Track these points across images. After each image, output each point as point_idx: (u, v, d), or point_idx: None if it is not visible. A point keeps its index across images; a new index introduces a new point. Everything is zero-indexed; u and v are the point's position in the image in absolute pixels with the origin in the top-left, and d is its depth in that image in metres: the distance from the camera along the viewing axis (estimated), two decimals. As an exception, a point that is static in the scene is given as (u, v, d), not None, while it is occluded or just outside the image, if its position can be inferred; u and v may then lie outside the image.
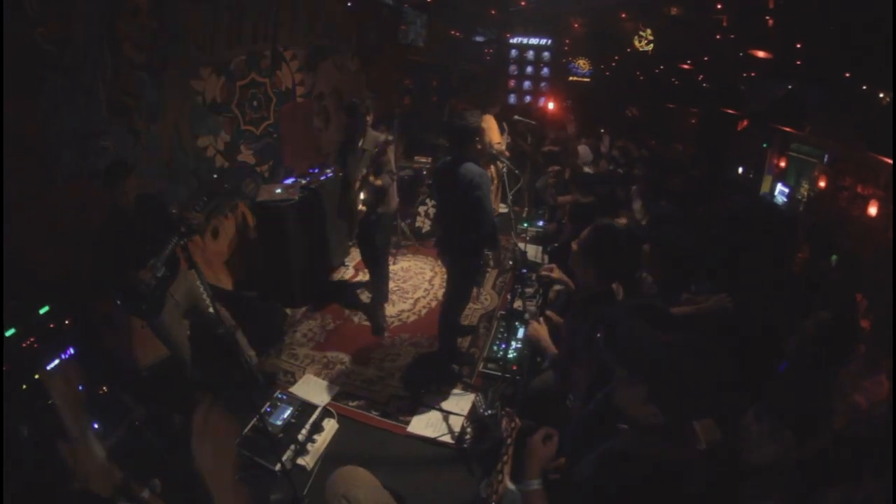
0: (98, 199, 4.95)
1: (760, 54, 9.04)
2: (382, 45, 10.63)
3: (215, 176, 6.64)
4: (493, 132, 8.98)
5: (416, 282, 8.19)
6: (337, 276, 8.31)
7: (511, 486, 2.79)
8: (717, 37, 9.23)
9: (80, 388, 2.37)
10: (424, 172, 9.73)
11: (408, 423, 5.25)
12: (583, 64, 16.59)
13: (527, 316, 5.39)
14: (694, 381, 1.94)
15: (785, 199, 10.79)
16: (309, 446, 4.82)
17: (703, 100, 14.12)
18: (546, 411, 3.53)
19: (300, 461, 4.67)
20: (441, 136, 9.49)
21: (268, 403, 5.06)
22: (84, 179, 4.95)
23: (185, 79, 6.09)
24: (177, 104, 5.98)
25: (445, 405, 5.44)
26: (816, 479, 2.99)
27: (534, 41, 15.75)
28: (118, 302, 4.67)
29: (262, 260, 7.23)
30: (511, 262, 5.94)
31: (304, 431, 4.87)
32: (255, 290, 6.75)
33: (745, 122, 12.65)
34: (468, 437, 5.02)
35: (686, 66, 13.20)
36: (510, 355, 5.95)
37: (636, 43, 11.24)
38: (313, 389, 5.59)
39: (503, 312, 5.81)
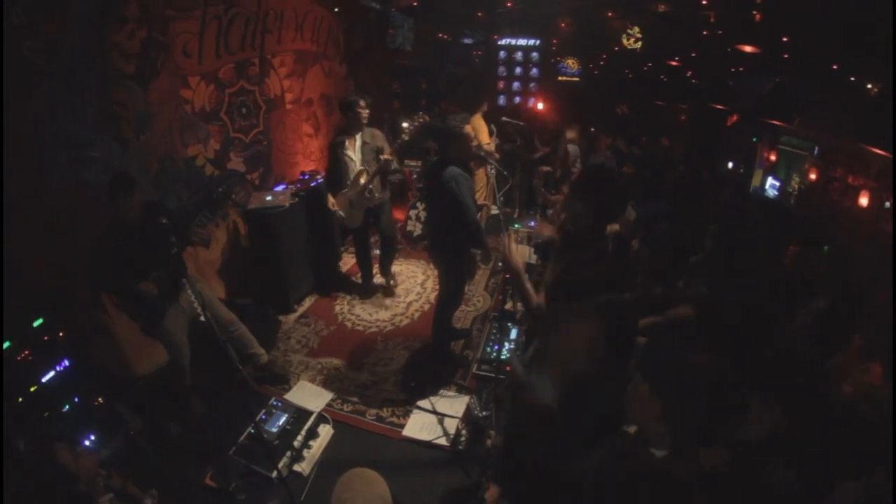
0: (89, 208, 4.98)
1: (748, 49, 9.10)
2: (370, 50, 10.64)
3: (220, 189, 6.65)
4: (482, 133, 9.00)
5: (408, 285, 8.20)
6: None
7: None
8: (705, 33, 9.28)
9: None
10: (415, 176, 9.76)
11: (403, 426, 5.27)
12: (572, 63, 16.63)
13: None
14: (714, 408, 1.95)
15: (776, 193, 10.84)
16: (305, 452, 4.82)
17: (692, 96, 14.19)
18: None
19: (296, 468, 4.68)
20: (429, 139, 9.53)
21: (263, 411, 5.08)
22: (74, 189, 4.94)
23: (174, 87, 6.08)
24: (166, 113, 5.97)
25: (440, 408, 5.46)
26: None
27: (522, 42, 15.77)
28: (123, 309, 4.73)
29: (254, 267, 7.24)
30: (501, 263, 5.97)
31: (299, 438, 4.89)
32: (248, 298, 6.76)
33: (735, 118, 12.71)
34: (463, 439, 5.05)
35: (674, 63, 13.26)
36: (503, 356, 5.98)
37: (624, 41, 11.28)
38: (308, 396, 5.60)
39: (496, 314, 5.85)
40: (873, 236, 7.46)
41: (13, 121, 4.34)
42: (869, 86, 7.45)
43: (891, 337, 3.79)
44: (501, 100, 15.94)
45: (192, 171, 6.38)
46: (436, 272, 6.92)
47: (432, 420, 5.32)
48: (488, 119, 9.53)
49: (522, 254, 3.95)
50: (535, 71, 16.02)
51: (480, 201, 8.70)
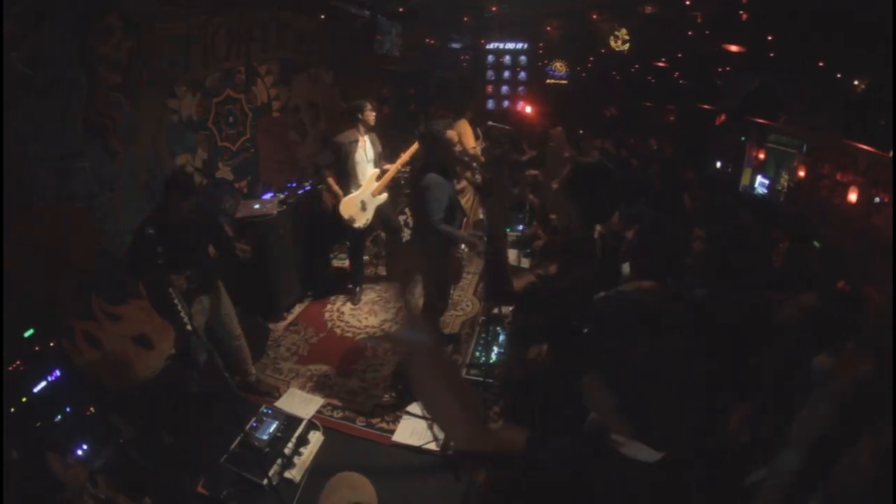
0: (78, 218, 5.02)
1: (733, 48, 9.15)
2: (357, 56, 10.65)
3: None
4: (468, 138, 9.02)
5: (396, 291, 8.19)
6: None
7: None
8: (690, 33, 9.33)
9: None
10: (402, 181, 9.79)
11: (392, 432, 5.29)
12: (560, 66, 16.65)
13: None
14: (680, 400, 1.92)
15: (765, 191, 10.89)
16: (295, 459, 4.85)
17: (680, 96, 14.24)
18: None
19: (287, 475, 4.71)
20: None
21: (253, 418, 5.09)
22: (63, 199, 4.96)
23: (161, 98, 6.09)
24: (153, 123, 5.98)
25: (430, 413, 5.47)
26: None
27: (510, 46, 15.83)
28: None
29: (242, 275, 7.26)
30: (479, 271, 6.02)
31: (290, 445, 4.91)
32: (237, 306, 6.78)
33: (723, 117, 12.77)
34: (453, 444, 5.07)
35: (662, 64, 13.31)
36: (492, 360, 6.01)
37: (612, 43, 11.31)
38: (298, 403, 5.62)
39: (484, 318, 5.89)
40: (863, 232, 7.51)
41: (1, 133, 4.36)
42: (856, 82, 7.50)
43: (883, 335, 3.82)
44: (490, 104, 15.99)
45: (180, 181, 6.40)
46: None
47: (422, 425, 5.34)
48: (475, 123, 9.56)
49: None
50: (523, 74, 16.09)
51: (467, 206, 8.72)
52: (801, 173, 9.58)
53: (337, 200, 7.08)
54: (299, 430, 5.06)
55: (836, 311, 3.79)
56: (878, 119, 7.10)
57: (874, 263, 6.72)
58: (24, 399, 3.84)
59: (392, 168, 7.06)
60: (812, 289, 4.97)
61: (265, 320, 7.01)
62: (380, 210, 7.25)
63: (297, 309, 7.70)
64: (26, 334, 4.13)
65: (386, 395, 5.85)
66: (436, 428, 5.24)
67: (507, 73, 16.27)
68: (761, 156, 11.32)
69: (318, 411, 5.57)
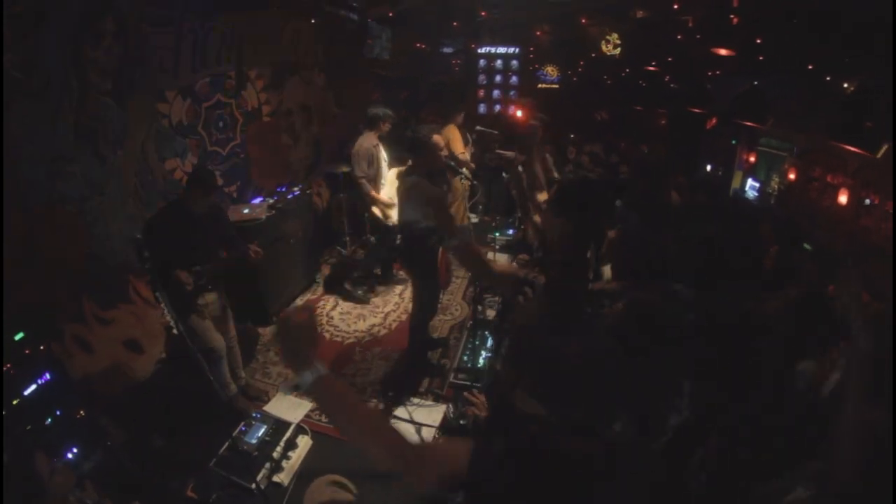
0: (69, 222, 5.04)
1: (723, 52, 9.19)
2: (348, 60, 10.68)
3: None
4: (457, 143, 9.06)
5: (386, 296, 8.27)
6: (308, 293, 8.36)
7: None
8: (683, 37, 9.37)
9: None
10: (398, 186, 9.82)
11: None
12: (551, 71, 16.68)
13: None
14: (590, 386, 1.98)
15: (756, 194, 10.94)
16: (284, 463, 4.88)
17: (671, 100, 14.29)
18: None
19: (276, 478, 4.73)
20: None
21: (242, 423, 5.11)
22: (54, 204, 4.98)
23: (151, 102, 6.11)
24: (143, 128, 6.00)
25: (417, 417, 5.51)
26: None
27: (501, 50, 15.86)
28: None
29: (232, 280, 7.29)
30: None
31: (278, 449, 4.93)
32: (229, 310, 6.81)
33: (714, 120, 12.81)
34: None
35: (652, 68, 13.35)
36: (479, 364, 6.05)
37: (603, 47, 11.36)
38: (287, 407, 5.64)
39: (472, 322, 5.94)
40: (853, 234, 7.55)
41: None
42: (845, 84, 7.54)
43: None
44: (482, 108, 16.01)
45: (169, 186, 6.41)
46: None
47: (410, 429, 5.37)
48: (467, 128, 9.58)
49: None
50: (514, 79, 16.12)
51: (456, 211, 8.75)
52: (792, 176, 9.60)
53: (379, 205, 7.20)
54: (287, 434, 5.08)
55: (823, 313, 3.80)
56: (866, 121, 7.14)
57: (865, 265, 6.79)
58: (14, 402, 3.85)
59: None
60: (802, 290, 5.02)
61: (255, 325, 7.02)
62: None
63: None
64: (17, 337, 4.14)
65: (374, 400, 5.87)
66: (423, 432, 5.29)
67: (498, 78, 16.29)
68: (752, 159, 11.36)
69: (307, 415, 5.58)
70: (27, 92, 4.64)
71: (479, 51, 15.60)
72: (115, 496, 3.92)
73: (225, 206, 7.13)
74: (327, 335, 7.18)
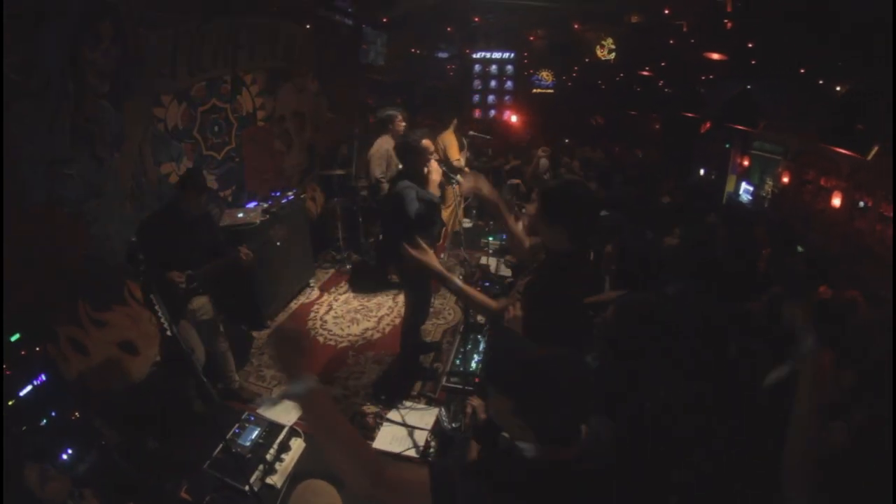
0: (66, 224, 5.07)
1: (715, 56, 9.24)
2: (343, 66, 10.73)
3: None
4: (453, 148, 9.09)
5: (380, 300, 8.31)
6: (303, 296, 8.40)
7: None
8: (672, 42, 9.42)
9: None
10: (389, 190, 9.86)
11: (373, 439, 5.35)
12: (546, 76, 16.75)
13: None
14: (563, 395, 2.01)
15: (750, 198, 10.99)
16: (277, 465, 4.89)
17: (664, 105, 14.35)
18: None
19: (269, 480, 4.75)
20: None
21: (236, 425, 5.14)
22: (51, 205, 5.01)
23: (147, 106, 6.14)
24: (139, 131, 6.03)
25: (410, 420, 5.54)
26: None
27: (496, 55, 15.94)
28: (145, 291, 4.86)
29: (226, 284, 7.32)
30: (461, 277, 6.06)
31: (272, 451, 4.94)
32: (221, 314, 6.83)
33: (708, 125, 12.87)
34: (432, 450, 5.14)
35: (646, 73, 13.41)
36: (472, 368, 6.08)
37: (598, 52, 11.41)
38: (280, 410, 5.65)
39: (464, 326, 5.98)
40: (847, 236, 7.60)
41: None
42: (838, 88, 7.58)
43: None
44: (477, 113, 16.06)
45: (165, 189, 6.44)
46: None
47: (402, 432, 5.40)
48: (462, 133, 9.63)
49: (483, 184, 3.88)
50: (509, 84, 16.18)
51: (448, 217, 8.80)
52: (786, 179, 9.66)
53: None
54: (281, 437, 5.10)
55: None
56: (857, 124, 7.19)
57: (859, 267, 6.85)
58: (10, 403, 3.88)
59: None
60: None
61: (249, 328, 7.05)
62: None
63: (281, 317, 7.75)
64: (12, 339, 4.17)
65: (367, 404, 5.90)
66: (416, 435, 5.32)
67: (493, 83, 16.39)
68: (746, 162, 11.43)
69: (300, 418, 5.61)
70: (25, 94, 4.67)
71: (474, 56, 15.66)
72: (109, 497, 3.95)
73: (220, 210, 7.17)
74: (321, 339, 7.21)
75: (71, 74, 5.10)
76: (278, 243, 7.28)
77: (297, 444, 5.19)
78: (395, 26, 11.19)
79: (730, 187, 11.94)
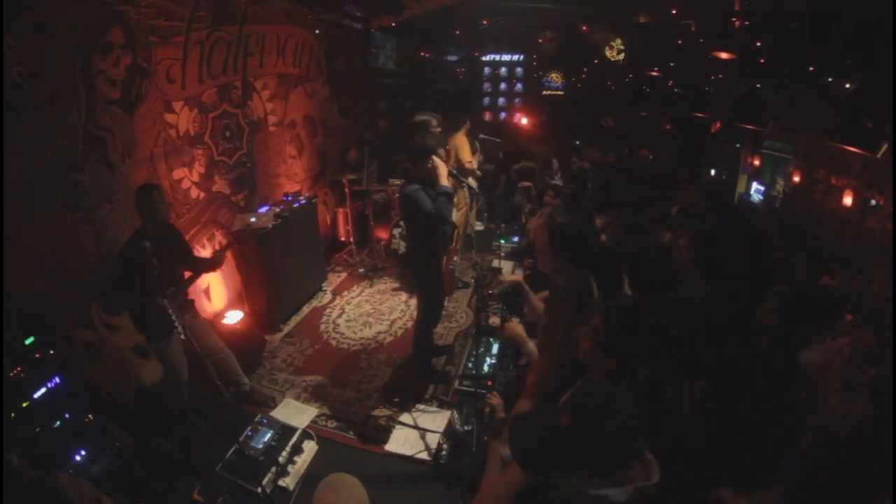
0: (78, 230, 5.12)
1: (724, 56, 9.22)
2: (353, 70, 10.76)
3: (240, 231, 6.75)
4: (464, 151, 9.10)
5: (392, 303, 8.33)
6: (315, 300, 8.42)
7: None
8: (680, 42, 9.40)
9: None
10: (397, 195, 9.88)
11: (385, 441, 5.36)
12: (556, 77, 16.74)
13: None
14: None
15: (761, 197, 10.95)
16: (290, 468, 4.91)
17: (674, 105, 14.32)
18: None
19: (281, 482, 4.77)
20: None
21: (249, 427, 5.16)
22: (63, 212, 5.06)
23: (159, 113, 6.18)
24: (151, 138, 6.07)
25: (422, 423, 5.56)
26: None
27: (506, 58, 15.93)
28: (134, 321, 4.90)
29: (239, 288, 7.36)
30: (473, 280, 6.07)
31: (284, 453, 4.96)
32: (234, 318, 6.86)
33: (718, 124, 12.84)
34: (444, 453, 5.14)
35: (655, 73, 13.39)
36: (484, 371, 6.08)
37: (607, 53, 11.39)
38: (293, 413, 5.69)
39: (476, 329, 5.98)
40: (859, 235, 7.55)
41: (2, 145, 4.44)
42: (847, 85, 7.55)
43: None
44: (487, 115, 16.05)
45: (177, 195, 6.48)
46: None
47: (414, 435, 5.42)
48: (473, 136, 9.63)
49: (520, 328, 4.10)
50: (519, 86, 16.17)
51: (460, 219, 8.80)
52: (797, 178, 9.61)
53: None
54: (294, 440, 5.11)
55: (820, 301, 3.82)
56: (866, 122, 7.16)
57: (869, 266, 6.81)
58: (24, 404, 3.92)
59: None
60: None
61: (262, 332, 7.08)
62: None
63: (294, 320, 7.78)
64: (27, 342, 4.21)
65: (380, 407, 5.91)
66: (428, 438, 5.33)
67: (503, 85, 16.39)
68: (756, 162, 11.38)
69: (313, 421, 5.63)
70: (37, 101, 4.71)
71: (484, 58, 15.66)
72: (123, 498, 3.98)
73: (232, 215, 7.21)
74: (333, 342, 7.23)
75: (82, 82, 5.14)
76: (298, 249, 7.32)
77: (310, 447, 5.21)
78: (403, 30, 11.21)
79: (741, 187, 11.91)
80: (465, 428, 5.28)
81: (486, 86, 16.64)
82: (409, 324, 7.60)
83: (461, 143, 9.06)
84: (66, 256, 5.03)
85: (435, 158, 5.40)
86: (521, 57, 16.25)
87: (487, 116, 16.66)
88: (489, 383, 5.81)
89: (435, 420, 5.60)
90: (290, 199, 8.00)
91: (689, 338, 3.50)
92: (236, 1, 6.94)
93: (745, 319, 3.81)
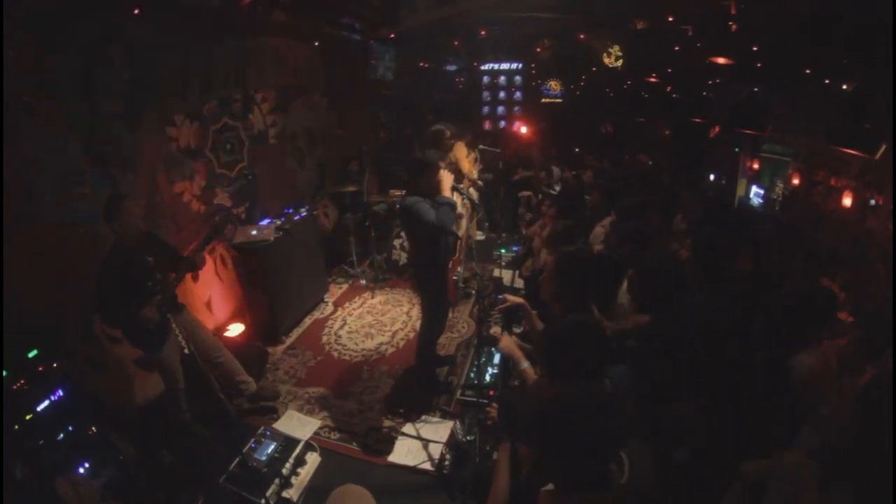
0: (80, 243, 5.14)
1: (721, 60, 9.23)
2: (352, 82, 10.81)
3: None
4: (465, 161, 9.12)
5: (394, 314, 8.34)
6: (317, 312, 8.43)
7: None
8: (681, 47, 9.42)
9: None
10: (398, 206, 9.89)
11: (388, 452, 5.37)
12: (554, 85, 16.78)
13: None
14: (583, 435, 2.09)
15: (761, 201, 10.95)
16: (293, 480, 4.91)
17: (672, 111, 14.34)
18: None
19: (285, 494, 4.76)
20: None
21: (252, 439, 5.16)
22: (65, 224, 5.10)
23: (160, 126, 6.23)
24: (152, 151, 6.10)
25: (424, 433, 5.56)
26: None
27: (504, 66, 15.98)
28: (125, 336, 4.91)
29: (241, 300, 7.37)
30: (475, 291, 6.09)
31: (287, 465, 4.96)
32: (236, 330, 6.87)
33: (717, 129, 12.85)
34: (447, 463, 5.15)
35: (653, 80, 13.40)
36: (486, 381, 6.09)
37: (605, 60, 11.41)
38: (296, 425, 5.70)
39: (478, 339, 6.00)
40: (859, 237, 7.54)
41: (4, 159, 4.47)
42: (844, 87, 7.55)
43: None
44: (487, 124, 16.08)
45: (178, 208, 6.51)
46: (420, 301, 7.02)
47: (417, 445, 5.42)
48: (473, 145, 9.65)
49: (512, 342, 4.17)
50: (518, 94, 16.21)
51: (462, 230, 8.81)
52: (796, 181, 9.61)
53: None
54: (297, 451, 5.11)
55: (815, 304, 3.86)
56: (863, 123, 7.16)
57: (870, 267, 6.82)
58: (28, 417, 3.94)
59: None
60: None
61: (264, 344, 7.09)
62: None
63: (296, 333, 7.78)
64: (30, 355, 4.24)
65: (382, 418, 5.92)
66: (431, 448, 5.34)
67: (502, 94, 16.45)
68: (755, 166, 11.39)
69: (316, 433, 5.64)
70: (40, 116, 4.74)
71: (483, 67, 15.71)
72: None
73: (234, 227, 7.23)
74: (335, 354, 7.24)
75: (85, 96, 5.17)
76: (300, 261, 7.34)
77: (313, 459, 5.21)
78: (402, 41, 11.25)
79: (741, 191, 11.91)
80: (468, 438, 5.29)
81: (486, 95, 16.71)
82: (411, 335, 7.61)
83: (461, 154, 9.09)
84: (69, 269, 5.04)
85: (442, 172, 5.43)
86: (520, 65, 16.32)
87: (487, 125, 16.71)
88: (491, 393, 5.84)
89: (437, 430, 5.60)
90: (291, 211, 8.00)
91: (689, 341, 3.54)
92: (237, 13, 6.98)
93: (746, 323, 3.84)
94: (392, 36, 10.70)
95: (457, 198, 5.58)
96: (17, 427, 3.84)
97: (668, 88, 13.84)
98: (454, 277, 6.28)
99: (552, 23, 10.39)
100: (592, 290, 3.82)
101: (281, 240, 7.24)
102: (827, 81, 7.76)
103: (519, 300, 4.44)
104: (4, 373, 3.98)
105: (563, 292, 3.78)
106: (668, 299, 4.16)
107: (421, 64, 14.27)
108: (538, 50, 13.71)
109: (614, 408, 2.31)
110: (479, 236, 11.01)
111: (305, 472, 5.05)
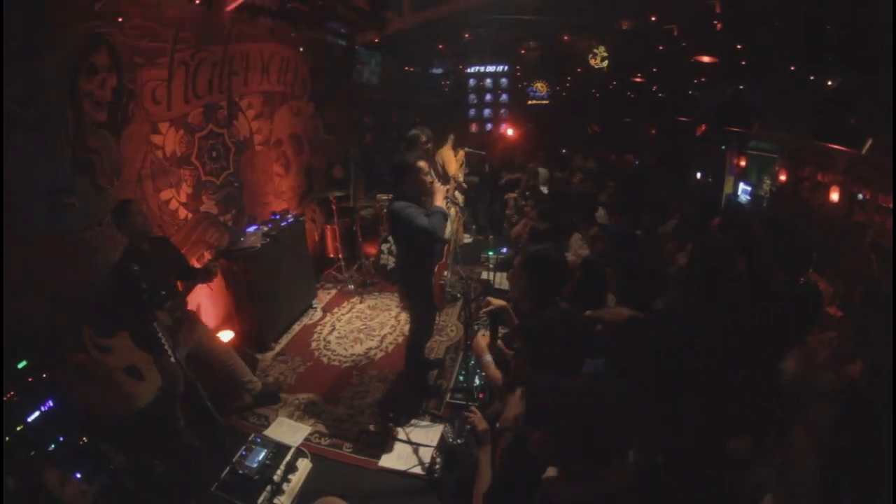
0: (68, 253, 5.12)
1: (706, 59, 9.26)
2: (338, 86, 10.80)
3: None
4: (451, 164, 9.13)
5: (382, 319, 8.35)
6: (306, 318, 8.43)
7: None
8: (666, 47, 9.45)
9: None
10: (385, 210, 9.90)
11: (379, 457, 5.37)
12: (540, 87, 16.82)
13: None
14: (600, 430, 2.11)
15: (748, 198, 10.98)
16: (284, 486, 4.92)
17: (658, 110, 14.38)
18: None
19: (277, 501, 4.77)
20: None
21: (243, 447, 5.16)
22: (53, 235, 5.05)
23: (145, 134, 6.18)
24: (138, 159, 6.08)
25: (415, 437, 5.56)
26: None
27: (490, 69, 16.00)
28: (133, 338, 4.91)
29: (229, 307, 7.36)
30: (461, 295, 6.11)
31: (279, 472, 4.97)
32: (225, 338, 6.86)
33: (703, 127, 12.88)
34: (438, 467, 5.17)
35: (639, 80, 13.44)
36: (475, 383, 6.10)
37: (591, 61, 11.43)
38: (286, 431, 5.69)
39: (468, 343, 6.01)
40: (846, 231, 7.56)
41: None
42: (829, 83, 7.58)
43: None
44: (473, 127, 16.09)
45: (165, 216, 6.49)
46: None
47: (408, 449, 5.43)
48: (457, 148, 9.67)
49: (483, 343, 4.31)
50: (505, 97, 16.23)
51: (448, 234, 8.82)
52: (783, 177, 9.63)
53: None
54: (287, 458, 5.12)
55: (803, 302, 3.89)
56: (849, 118, 7.18)
57: (859, 262, 6.85)
58: (18, 428, 3.92)
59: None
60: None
61: (253, 351, 7.07)
62: None
63: (285, 339, 7.78)
64: (19, 366, 4.22)
65: (372, 424, 5.92)
66: (421, 452, 5.34)
67: (489, 97, 16.46)
68: (742, 163, 11.42)
69: (307, 438, 5.64)
70: (25, 125, 4.72)
71: (468, 70, 15.72)
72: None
73: (221, 235, 7.22)
74: (325, 360, 7.24)
75: (69, 104, 5.15)
76: (288, 267, 7.33)
77: (304, 465, 5.22)
78: (388, 46, 11.27)
79: (728, 189, 11.93)
80: (458, 441, 5.31)
81: (472, 97, 16.72)
82: (400, 339, 7.63)
83: (448, 156, 9.11)
84: (58, 279, 5.02)
85: (436, 184, 5.46)
86: (506, 68, 16.35)
87: (474, 128, 16.72)
88: (481, 396, 5.86)
89: (428, 434, 5.61)
90: (278, 217, 8.02)
91: (681, 346, 3.56)
92: (220, 20, 6.97)
93: (745, 323, 3.87)
94: (377, 40, 10.72)
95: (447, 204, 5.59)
96: (7, 439, 3.83)
97: (654, 88, 13.88)
98: (441, 282, 6.28)
99: (537, 24, 10.43)
100: (558, 288, 3.88)
101: (268, 246, 7.25)
102: (811, 78, 7.79)
103: (502, 302, 4.49)
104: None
105: (529, 290, 3.87)
106: (651, 299, 4.19)
107: (406, 68, 14.28)
108: (523, 52, 13.75)
109: (623, 399, 2.36)
110: (467, 239, 11.04)
111: (297, 479, 5.06)
